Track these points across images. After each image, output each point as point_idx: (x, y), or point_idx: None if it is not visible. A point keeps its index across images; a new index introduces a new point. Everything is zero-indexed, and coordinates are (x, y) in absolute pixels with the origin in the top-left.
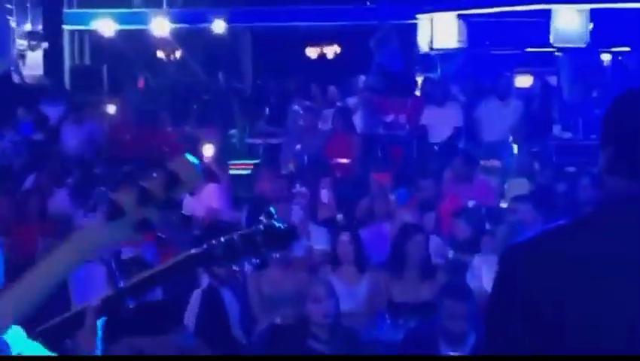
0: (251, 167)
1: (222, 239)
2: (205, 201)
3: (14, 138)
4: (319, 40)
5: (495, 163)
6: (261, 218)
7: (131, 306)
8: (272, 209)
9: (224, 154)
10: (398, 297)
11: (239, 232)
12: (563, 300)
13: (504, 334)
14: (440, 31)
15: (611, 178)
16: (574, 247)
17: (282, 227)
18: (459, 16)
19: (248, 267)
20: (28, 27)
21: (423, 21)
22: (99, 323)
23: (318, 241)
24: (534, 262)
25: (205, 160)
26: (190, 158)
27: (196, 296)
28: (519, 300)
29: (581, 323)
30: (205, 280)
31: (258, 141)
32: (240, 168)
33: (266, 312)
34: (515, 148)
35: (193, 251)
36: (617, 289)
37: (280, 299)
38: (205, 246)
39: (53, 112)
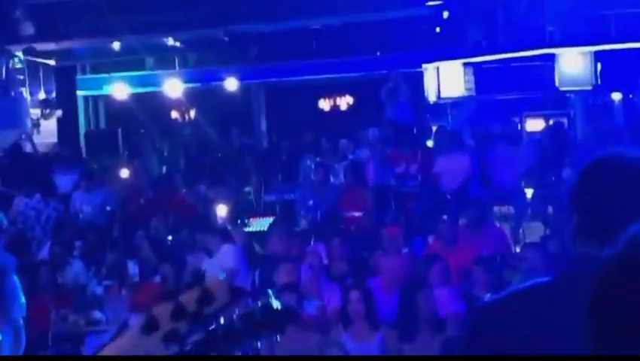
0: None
1: (222, 321)
2: (220, 262)
3: (35, 205)
4: (331, 92)
5: (509, 209)
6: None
7: None
8: (270, 291)
9: (240, 212)
10: (409, 352)
11: (238, 314)
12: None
13: None
14: (446, 80)
15: (576, 243)
16: (528, 311)
17: (280, 308)
18: (465, 64)
19: None
20: (41, 95)
21: (429, 70)
22: None
23: (330, 298)
24: (494, 323)
25: (220, 220)
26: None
27: None
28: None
29: None
30: None
31: (273, 197)
32: (257, 225)
33: None
34: (528, 193)
35: (194, 338)
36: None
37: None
38: (204, 333)
39: (68, 180)
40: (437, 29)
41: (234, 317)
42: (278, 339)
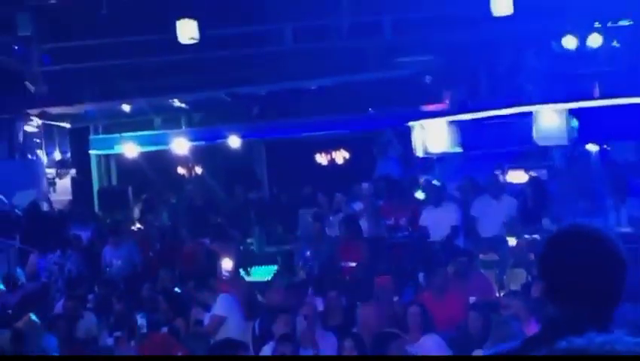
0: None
1: None
2: (219, 311)
3: (57, 260)
4: (327, 147)
5: (493, 257)
6: None
7: None
8: None
9: (243, 263)
10: None
11: None
12: None
13: None
14: (432, 136)
15: (551, 308)
16: None
17: None
18: (449, 121)
19: None
20: (57, 156)
21: (416, 127)
22: None
23: (325, 347)
24: None
25: (224, 271)
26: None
27: None
28: None
29: None
30: None
31: (274, 248)
32: (259, 274)
33: None
34: (511, 241)
35: None
36: None
37: None
38: None
39: (83, 236)
40: (424, 88)
41: None
42: None
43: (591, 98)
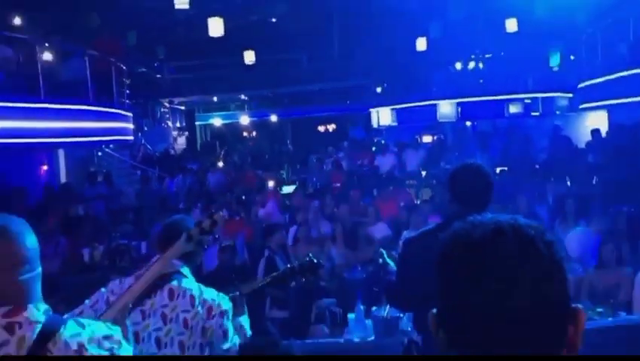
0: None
1: (288, 266)
2: (267, 208)
3: (179, 181)
4: (325, 122)
5: (413, 182)
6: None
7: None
8: (310, 254)
9: (279, 183)
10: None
11: (296, 263)
12: (418, 273)
13: (399, 282)
14: (382, 116)
15: (451, 205)
16: (426, 244)
17: (315, 261)
18: (392, 108)
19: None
20: (177, 124)
21: (374, 112)
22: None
23: (324, 227)
24: (410, 249)
25: (268, 188)
26: (220, 216)
27: (262, 262)
28: (405, 269)
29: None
30: (266, 252)
31: (295, 176)
32: (287, 189)
33: None
34: (423, 173)
35: (276, 274)
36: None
37: None
38: (282, 270)
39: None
40: (378, 90)
41: (295, 266)
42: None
43: (468, 96)
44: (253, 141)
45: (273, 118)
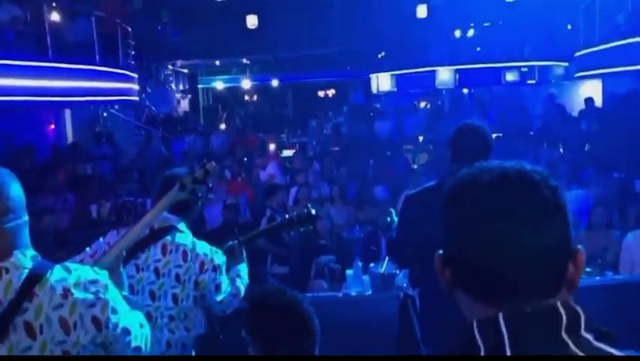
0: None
1: (287, 217)
2: (269, 171)
3: (189, 140)
4: (325, 87)
5: (411, 146)
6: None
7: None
8: (309, 205)
9: (279, 146)
10: None
11: (294, 214)
12: (417, 228)
13: (399, 236)
14: (381, 82)
15: (451, 164)
16: (426, 200)
17: (313, 212)
18: (391, 74)
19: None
20: (180, 87)
21: (374, 77)
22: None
23: (324, 188)
24: (410, 205)
25: (269, 150)
26: (213, 166)
27: (263, 221)
28: (404, 224)
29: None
30: (268, 212)
31: (295, 140)
32: (287, 153)
33: None
34: (420, 139)
35: (274, 223)
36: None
37: None
38: (280, 219)
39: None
40: (379, 56)
41: (293, 216)
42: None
43: (466, 64)
44: (254, 104)
45: (274, 82)
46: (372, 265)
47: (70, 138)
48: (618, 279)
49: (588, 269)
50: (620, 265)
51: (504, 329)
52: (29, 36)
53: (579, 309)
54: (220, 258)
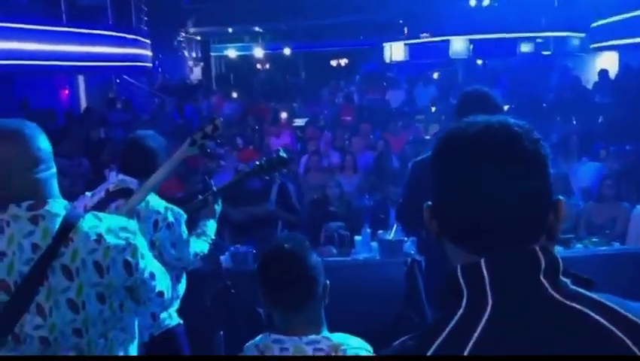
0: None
1: (256, 163)
2: (282, 139)
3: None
4: (337, 56)
5: (423, 117)
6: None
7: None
8: (280, 149)
9: (291, 116)
10: None
11: (264, 159)
12: (423, 193)
13: (406, 200)
14: (394, 52)
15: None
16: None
17: (282, 155)
18: (405, 43)
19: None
20: (193, 55)
21: (387, 46)
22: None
23: (334, 157)
24: (417, 170)
25: (282, 119)
26: (221, 121)
27: (274, 188)
28: (411, 188)
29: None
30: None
31: (307, 109)
32: (300, 122)
33: (309, 192)
34: (433, 109)
35: (246, 170)
36: None
37: (315, 186)
38: (256, 164)
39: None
40: (392, 25)
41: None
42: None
43: (481, 34)
44: (266, 73)
45: (287, 51)
46: (380, 231)
47: (84, 104)
48: (624, 249)
49: (595, 239)
50: (627, 236)
51: (485, 273)
52: (43, 0)
53: (558, 256)
54: (174, 215)
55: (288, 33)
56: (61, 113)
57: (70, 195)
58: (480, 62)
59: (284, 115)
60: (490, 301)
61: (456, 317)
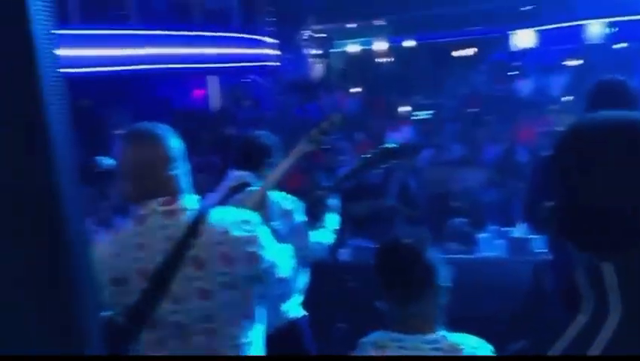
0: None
1: (362, 157)
2: (403, 133)
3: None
4: (461, 46)
5: (555, 107)
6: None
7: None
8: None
9: (413, 109)
10: None
11: (370, 152)
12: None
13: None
14: (523, 39)
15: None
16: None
17: (389, 147)
18: (534, 30)
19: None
20: (315, 52)
21: (514, 34)
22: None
23: (456, 149)
24: (545, 166)
25: (402, 112)
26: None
27: (394, 182)
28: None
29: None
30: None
31: (430, 101)
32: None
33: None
34: (565, 98)
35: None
36: None
37: (437, 181)
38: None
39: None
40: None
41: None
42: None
43: (619, 16)
44: (387, 66)
45: (409, 43)
46: (506, 228)
47: (214, 103)
48: None
49: None
50: None
51: (611, 276)
52: (175, 6)
53: None
54: (293, 205)
55: (410, 25)
56: (196, 113)
57: (202, 190)
58: (617, 46)
59: (404, 108)
60: (619, 306)
61: (581, 322)
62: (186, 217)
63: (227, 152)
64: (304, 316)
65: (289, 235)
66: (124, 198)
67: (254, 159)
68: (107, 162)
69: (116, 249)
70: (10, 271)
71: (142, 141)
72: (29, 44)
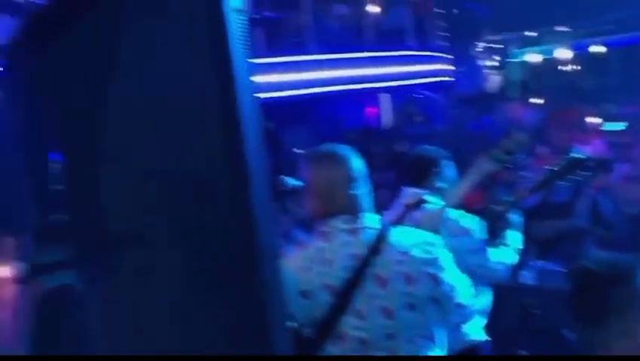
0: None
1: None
2: (592, 147)
3: None
4: None
5: None
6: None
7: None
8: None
9: (604, 120)
10: None
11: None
12: None
13: None
14: None
15: None
16: None
17: (576, 157)
18: None
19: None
20: (490, 63)
21: None
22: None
23: None
24: None
25: (591, 124)
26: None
27: (584, 200)
28: None
29: None
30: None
31: (624, 111)
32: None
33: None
34: None
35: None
36: None
37: (634, 199)
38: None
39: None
40: None
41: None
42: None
43: None
44: (572, 75)
45: (597, 48)
46: None
47: (386, 121)
48: None
49: None
50: None
51: None
52: (351, 29)
53: None
54: (469, 222)
55: (596, 29)
56: (368, 130)
57: (381, 207)
58: None
59: (593, 120)
60: None
61: None
62: (368, 236)
63: (398, 168)
64: (487, 341)
65: (468, 253)
66: (310, 215)
67: (424, 173)
68: (292, 182)
69: (305, 263)
70: (208, 277)
71: (327, 162)
72: (229, 71)
